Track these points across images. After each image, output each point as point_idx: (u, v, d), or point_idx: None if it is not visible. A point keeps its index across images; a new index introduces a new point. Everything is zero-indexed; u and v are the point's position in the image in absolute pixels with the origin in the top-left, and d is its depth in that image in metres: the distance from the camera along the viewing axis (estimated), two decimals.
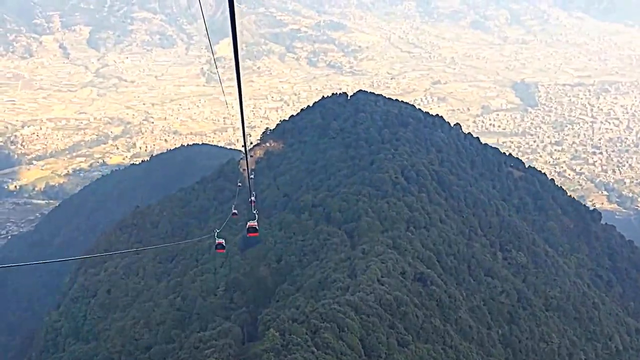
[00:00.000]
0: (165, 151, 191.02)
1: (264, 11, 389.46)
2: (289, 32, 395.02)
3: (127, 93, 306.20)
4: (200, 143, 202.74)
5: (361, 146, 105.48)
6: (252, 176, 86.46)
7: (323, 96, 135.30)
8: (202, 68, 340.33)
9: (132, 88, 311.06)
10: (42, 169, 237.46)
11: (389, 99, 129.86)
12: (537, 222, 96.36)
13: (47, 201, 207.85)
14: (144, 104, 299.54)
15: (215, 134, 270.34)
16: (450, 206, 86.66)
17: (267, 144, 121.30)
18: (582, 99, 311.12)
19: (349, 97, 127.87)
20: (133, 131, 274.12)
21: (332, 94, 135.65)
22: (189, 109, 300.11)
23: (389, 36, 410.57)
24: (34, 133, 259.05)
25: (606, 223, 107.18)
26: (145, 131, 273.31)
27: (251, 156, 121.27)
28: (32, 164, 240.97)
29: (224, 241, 45.60)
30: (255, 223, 45.43)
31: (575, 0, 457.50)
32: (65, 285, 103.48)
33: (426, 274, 66.23)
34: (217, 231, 46.37)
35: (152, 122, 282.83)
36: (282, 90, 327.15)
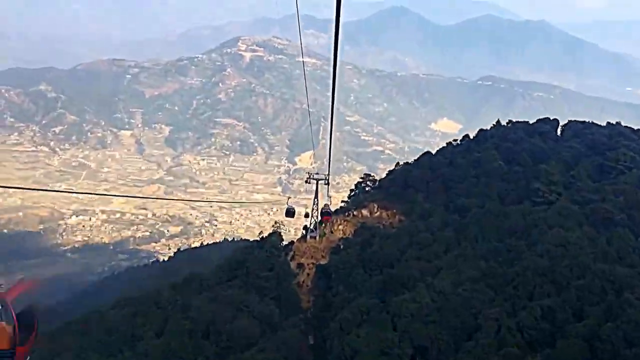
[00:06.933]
0: (198, 245, 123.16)
1: (349, 129, 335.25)
2: (372, 153, 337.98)
3: (197, 194, 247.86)
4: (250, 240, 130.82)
5: None
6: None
7: (498, 121, 64.34)
8: (280, 177, 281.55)
9: (203, 190, 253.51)
10: (73, 264, 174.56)
11: None
12: None
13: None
14: (211, 207, 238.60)
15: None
16: None
17: (362, 212, 51.20)
18: None
19: (560, 128, 57.81)
20: (192, 232, 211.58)
21: (516, 121, 64.12)
22: (259, 216, 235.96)
23: None
24: (80, 223, 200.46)
25: None
26: (206, 234, 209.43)
27: (312, 235, 53.09)
28: (65, 256, 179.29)
29: (294, 208, 43.53)
30: (330, 207, 45.73)
31: None
32: None
33: None
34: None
35: (215, 225, 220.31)
36: None
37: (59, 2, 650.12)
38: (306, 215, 51.98)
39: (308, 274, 49.67)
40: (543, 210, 48.19)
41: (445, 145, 66.41)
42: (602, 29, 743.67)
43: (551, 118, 65.13)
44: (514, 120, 65.59)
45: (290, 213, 45.20)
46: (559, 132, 63.69)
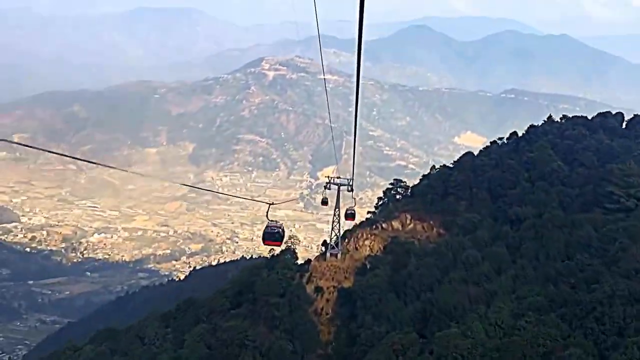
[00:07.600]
0: (215, 264, 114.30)
1: (371, 144, 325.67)
2: (395, 167, 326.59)
3: (218, 210, 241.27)
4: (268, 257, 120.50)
5: None
6: None
7: (550, 116, 54.14)
8: (302, 193, 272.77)
9: (225, 206, 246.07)
10: (92, 283, 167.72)
11: None
12: None
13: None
14: (232, 223, 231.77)
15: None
16: None
17: (392, 224, 41.57)
18: None
19: (625, 121, 47.61)
20: (213, 250, 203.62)
21: (573, 116, 53.96)
22: None
23: None
24: (101, 241, 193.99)
25: None
26: (226, 251, 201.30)
27: (333, 252, 43.50)
28: (84, 275, 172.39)
29: (280, 226, 22.16)
30: (354, 209, 38.29)
31: None
32: None
33: None
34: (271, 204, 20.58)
35: (236, 242, 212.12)
36: None
37: (98, 32, 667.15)
38: (324, 203, 40.39)
39: (328, 300, 39.85)
40: (621, 219, 37.70)
41: (495, 140, 55.74)
42: (623, 41, 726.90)
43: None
44: (570, 116, 55.08)
45: (273, 235, 22.72)
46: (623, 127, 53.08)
